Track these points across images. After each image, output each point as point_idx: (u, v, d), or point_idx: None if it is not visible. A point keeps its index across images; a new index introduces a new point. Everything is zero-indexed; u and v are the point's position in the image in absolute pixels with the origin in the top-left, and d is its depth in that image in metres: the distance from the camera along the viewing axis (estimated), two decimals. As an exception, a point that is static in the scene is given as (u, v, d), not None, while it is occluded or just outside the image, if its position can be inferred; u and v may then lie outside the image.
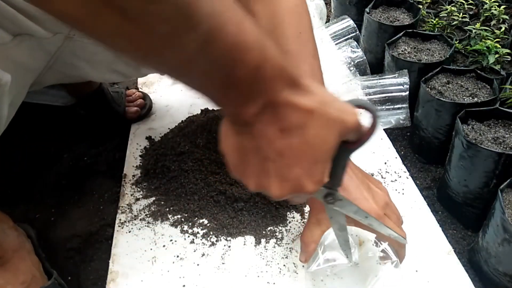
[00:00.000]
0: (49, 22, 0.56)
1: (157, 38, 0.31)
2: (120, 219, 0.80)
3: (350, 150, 0.48)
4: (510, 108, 0.83)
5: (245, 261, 0.73)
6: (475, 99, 0.88)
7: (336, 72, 1.11)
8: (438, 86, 0.92)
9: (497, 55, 0.96)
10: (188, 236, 0.77)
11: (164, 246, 0.75)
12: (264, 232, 0.77)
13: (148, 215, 0.80)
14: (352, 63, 1.13)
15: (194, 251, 0.75)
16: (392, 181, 0.88)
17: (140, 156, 0.93)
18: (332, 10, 1.46)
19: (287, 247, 0.75)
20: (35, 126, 0.98)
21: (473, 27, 1.05)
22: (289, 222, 0.79)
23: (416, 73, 0.99)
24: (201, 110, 1.00)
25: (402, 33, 1.06)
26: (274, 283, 0.70)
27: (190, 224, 0.78)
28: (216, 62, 0.34)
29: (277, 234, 0.77)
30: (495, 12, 1.09)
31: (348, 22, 1.27)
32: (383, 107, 1.01)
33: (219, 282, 0.70)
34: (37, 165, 0.94)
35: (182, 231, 0.78)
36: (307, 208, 0.81)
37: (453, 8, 1.12)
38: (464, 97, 0.89)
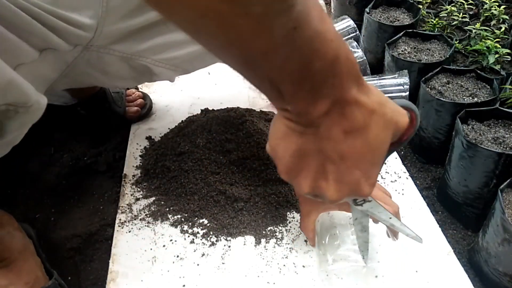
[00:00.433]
0: (71, 35, 0.56)
1: (250, 20, 0.30)
2: (120, 219, 0.80)
3: (391, 150, 0.48)
4: (510, 108, 0.83)
5: (245, 261, 0.73)
6: (475, 99, 0.88)
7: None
8: (438, 86, 0.92)
9: (497, 55, 0.96)
10: (188, 236, 0.77)
11: (164, 246, 0.76)
12: (264, 232, 0.77)
13: (148, 215, 0.80)
14: (352, 63, 1.13)
15: (194, 251, 0.75)
16: (392, 181, 0.88)
17: (140, 156, 0.93)
18: (332, 10, 1.46)
19: (287, 247, 0.75)
20: (35, 126, 0.98)
21: (473, 27, 1.05)
22: (289, 222, 0.79)
23: (416, 73, 0.99)
24: (201, 110, 1.00)
25: (402, 33, 1.06)
26: (274, 283, 0.70)
27: (190, 224, 0.78)
28: (298, 51, 0.34)
29: (277, 234, 0.77)
30: (495, 12, 1.09)
31: (348, 22, 1.26)
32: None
33: (219, 282, 0.70)
34: (37, 165, 0.94)
35: (182, 231, 0.78)
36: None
37: (453, 8, 1.12)
38: (464, 97, 0.89)
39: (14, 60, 0.50)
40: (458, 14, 1.11)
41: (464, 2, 1.14)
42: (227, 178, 0.83)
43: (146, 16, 0.64)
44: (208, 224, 0.78)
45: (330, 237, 0.69)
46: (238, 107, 0.99)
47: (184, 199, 0.82)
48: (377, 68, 1.15)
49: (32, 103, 0.51)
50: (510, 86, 0.87)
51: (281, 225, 0.78)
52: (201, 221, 0.79)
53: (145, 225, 0.79)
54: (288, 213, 0.80)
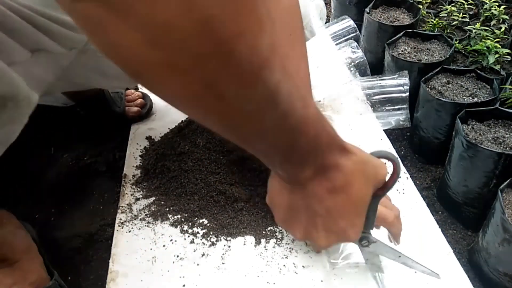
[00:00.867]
0: (66, 39, 0.56)
1: (242, 115, 0.35)
2: (120, 219, 0.80)
3: (378, 196, 0.54)
4: (510, 108, 0.83)
5: (245, 261, 0.73)
6: (475, 99, 0.88)
7: (336, 73, 1.11)
8: (438, 86, 0.92)
9: (497, 55, 0.96)
10: (188, 236, 0.77)
11: (164, 246, 0.75)
12: (264, 232, 0.77)
13: (148, 215, 0.80)
14: (352, 63, 1.13)
15: (194, 251, 0.75)
16: (392, 181, 0.88)
17: (140, 156, 0.93)
18: (332, 10, 1.46)
19: (287, 247, 0.75)
20: (35, 126, 0.98)
21: (473, 27, 1.05)
22: (289, 222, 0.79)
23: (416, 73, 0.99)
24: (201, 110, 1.00)
25: (402, 33, 1.06)
26: (274, 283, 0.70)
27: (190, 224, 0.78)
28: (285, 134, 0.39)
29: (277, 234, 0.77)
30: (495, 12, 1.09)
31: (348, 22, 1.26)
32: (383, 108, 1.01)
33: (219, 282, 0.70)
34: (37, 165, 0.94)
35: (182, 231, 0.78)
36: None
37: (453, 8, 1.12)
38: (464, 97, 0.89)
39: (4, 57, 0.50)
40: (458, 14, 1.11)
41: (464, 2, 1.14)
42: (227, 178, 0.83)
43: None
44: (208, 224, 0.78)
45: None
46: (238, 107, 0.99)
47: (184, 199, 0.82)
48: (377, 68, 1.15)
49: (22, 97, 0.51)
50: (510, 86, 0.87)
51: (281, 225, 0.78)
52: (201, 221, 0.79)
53: (145, 225, 0.79)
54: (288, 213, 0.80)
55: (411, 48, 1.04)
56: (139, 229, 0.78)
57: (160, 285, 0.70)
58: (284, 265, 0.72)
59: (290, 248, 0.75)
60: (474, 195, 0.80)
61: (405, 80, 0.98)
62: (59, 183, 0.91)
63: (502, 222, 0.65)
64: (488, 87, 0.91)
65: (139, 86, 1.15)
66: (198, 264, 0.73)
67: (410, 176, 0.89)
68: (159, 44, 0.27)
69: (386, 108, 1.01)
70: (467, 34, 1.08)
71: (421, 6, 1.16)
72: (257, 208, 0.80)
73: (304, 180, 0.45)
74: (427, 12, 1.17)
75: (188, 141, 0.89)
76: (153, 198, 0.83)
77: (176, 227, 0.78)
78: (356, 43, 1.16)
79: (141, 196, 0.84)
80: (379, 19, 1.13)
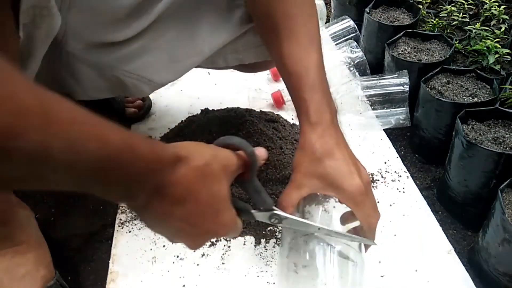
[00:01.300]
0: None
1: (19, 182, 0.33)
2: (120, 219, 0.80)
3: (249, 180, 0.52)
4: (510, 108, 0.83)
5: (245, 261, 0.73)
6: (475, 99, 0.88)
7: (336, 73, 1.11)
8: (438, 86, 0.92)
9: (497, 55, 0.96)
10: (188, 236, 0.77)
11: (164, 246, 0.75)
12: (264, 232, 0.77)
13: (148, 215, 0.80)
14: (352, 63, 1.13)
15: (194, 251, 0.75)
16: (392, 180, 0.88)
17: (140, 156, 0.93)
18: (332, 10, 1.46)
19: (287, 247, 0.75)
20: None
21: (473, 27, 1.05)
22: (289, 222, 0.79)
23: (416, 73, 0.99)
24: (201, 110, 1.00)
25: (402, 33, 1.06)
26: (274, 283, 0.70)
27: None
28: (85, 178, 0.36)
29: (277, 234, 0.77)
30: (495, 12, 1.09)
31: (348, 23, 1.27)
32: (383, 107, 1.01)
33: (219, 282, 0.70)
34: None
35: (182, 231, 0.77)
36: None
37: (453, 8, 1.12)
38: (464, 97, 0.89)
39: None
40: (458, 14, 1.11)
41: (464, 2, 1.14)
42: (227, 178, 0.83)
43: (114, 33, 0.65)
44: (208, 224, 0.78)
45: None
46: (238, 107, 0.99)
47: (184, 199, 0.81)
48: (377, 68, 1.15)
49: (52, 4, 0.49)
50: (510, 86, 0.87)
51: (281, 225, 0.78)
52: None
53: (145, 225, 0.79)
54: (288, 213, 0.80)
55: (411, 48, 1.04)
56: (139, 229, 0.78)
57: (160, 285, 0.70)
58: (284, 265, 0.72)
59: (290, 247, 0.75)
60: (474, 195, 0.80)
61: (405, 79, 0.98)
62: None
63: (502, 222, 0.65)
64: (488, 87, 0.91)
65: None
66: (198, 264, 0.73)
67: (410, 176, 0.90)
68: None
69: (386, 107, 1.01)
70: (467, 34, 1.08)
71: (421, 6, 1.16)
72: (257, 208, 0.80)
73: (142, 206, 0.42)
74: (427, 12, 1.17)
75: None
76: (153, 198, 0.83)
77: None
78: (356, 43, 1.16)
79: (141, 196, 0.84)
80: (379, 19, 1.13)
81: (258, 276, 0.71)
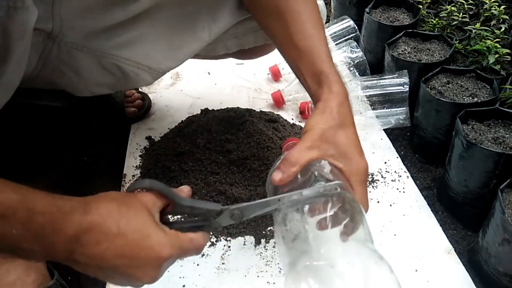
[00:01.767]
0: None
1: None
2: (120, 219, 0.80)
3: (177, 206, 0.52)
4: (510, 108, 0.83)
5: (245, 261, 0.73)
6: (475, 99, 0.88)
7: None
8: (438, 86, 0.92)
9: (497, 55, 0.96)
10: (188, 236, 0.77)
11: (164, 246, 0.75)
12: (264, 232, 0.77)
13: (148, 215, 0.80)
14: (352, 63, 1.13)
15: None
16: (392, 180, 0.88)
17: (140, 156, 0.93)
18: (332, 10, 1.46)
19: (292, 238, 0.74)
20: (35, 126, 0.98)
21: (473, 27, 1.05)
22: (289, 222, 0.79)
23: (416, 73, 0.99)
24: (201, 110, 1.00)
25: (402, 33, 1.06)
26: (274, 283, 0.70)
27: (188, 219, 0.78)
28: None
29: (277, 234, 0.77)
30: (495, 12, 1.09)
31: (348, 23, 1.26)
32: (383, 107, 1.01)
33: (219, 282, 0.70)
34: (37, 165, 0.94)
35: (182, 231, 0.77)
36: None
37: (453, 8, 1.12)
38: (464, 97, 0.89)
39: None
40: (458, 14, 1.11)
41: (464, 2, 1.14)
42: (227, 178, 0.83)
43: (110, 16, 0.65)
44: (208, 224, 0.78)
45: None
46: (238, 107, 0.99)
47: (184, 199, 0.82)
48: (377, 68, 1.15)
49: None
50: (510, 86, 0.87)
51: (281, 225, 0.78)
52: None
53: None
54: (288, 213, 0.80)
55: (411, 48, 1.04)
56: (139, 229, 0.78)
57: (160, 285, 0.70)
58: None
59: (294, 239, 0.74)
60: (474, 195, 0.80)
61: (405, 79, 0.98)
62: (59, 183, 0.91)
63: (502, 222, 0.65)
64: (488, 87, 0.91)
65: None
66: (198, 264, 0.73)
67: (410, 176, 0.90)
68: None
69: (386, 107, 1.01)
70: (467, 34, 1.07)
71: (421, 6, 1.16)
72: (257, 208, 0.80)
73: (68, 257, 0.43)
74: (427, 12, 1.17)
75: (188, 141, 0.89)
76: (153, 198, 0.83)
77: (173, 223, 0.78)
78: (356, 43, 1.16)
79: (141, 196, 0.84)
80: (379, 19, 1.13)
81: (258, 276, 0.71)
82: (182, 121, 0.99)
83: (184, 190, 0.56)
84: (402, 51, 1.03)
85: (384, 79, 1.02)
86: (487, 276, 0.71)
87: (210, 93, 1.12)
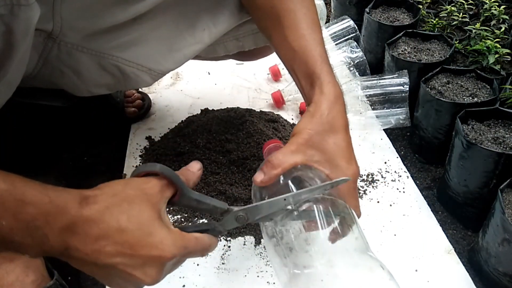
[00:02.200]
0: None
1: None
2: (120, 219, 0.80)
3: (183, 197, 0.50)
4: (510, 108, 0.83)
5: (245, 261, 0.73)
6: (475, 99, 0.88)
7: (336, 73, 1.11)
8: (438, 86, 0.92)
9: (497, 55, 0.96)
10: (188, 236, 0.77)
11: (164, 246, 0.75)
12: (264, 232, 0.77)
13: (148, 215, 0.80)
14: (352, 63, 1.13)
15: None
16: (392, 180, 0.88)
17: (140, 156, 0.93)
18: (332, 10, 1.46)
19: (287, 247, 0.75)
20: (35, 126, 0.98)
21: (473, 27, 1.05)
22: (289, 222, 0.79)
23: (416, 73, 0.99)
24: (201, 110, 1.00)
25: (402, 33, 1.06)
26: (274, 283, 0.70)
27: (190, 224, 0.78)
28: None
29: (277, 234, 0.77)
30: (495, 12, 1.09)
31: (348, 23, 1.26)
32: (383, 107, 1.01)
33: (219, 282, 0.70)
34: (37, 165, 0.94)
35: (182, 231, 0.77)
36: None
37: (453, 8, 1.12)
38: (464, 97, 0.89)
39: None
40: (458, 14, 1.11)
41: (464, 2, 1.14)
42: (227, 178, 0.83)
43: (110, 17, 0.65)
44: (208, 224, 0.78)
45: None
46: (238, 107, 0.99)
47: (184, 199, 0.82)
48: (377, 68, 1.15)
49: None
50: (510, 86, 0.87)
51: (281, 225, 0.78)
52: (201, 221, 0.79)
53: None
54: (288, 213, 0.80)
55: (411, 48, 1.04)
56: (139, 229, 0.78)
57: (160, 285, 0.70)
58: (284, 265, 0.72)
59: (289, 247, 0.75)
60: (474, 195, 0.80)
61: (405, 79, 0.98)
62: (59, 183, 0.91)
63: (502, 222, 0.65)
64: (488, 87, 0.91)
65: (139, 86, 1.16)
66: (198, 264, 0.73)
67: (410, 176, 0.90)
68: None
69: (386, 107, 1.01)
70: (467, 34, 1.07)
71: (421, 6, 1.16)
72: (257, 208, 0.80)
73: (64, 251, 0.42)
74: (427, 12, 1.17)
75: (188, 141, 0.89)
76: (153, 198, 0.83)
77: (176, 227, 0.78)
78: (356, 43, 1.16)
79: (141, 196, 0.84)
80: (379, 19, 1.13)
81: (258, 276, 0.71)
82: (182, 121, 0.99)
83: (195, 169, 0.53)
84: (402, 51, 1.03)
85: (384, 79, 1.02)
86: (487, 276, 0.71)
87: (210, 93, 1.12)
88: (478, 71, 0.93)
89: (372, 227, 0.78)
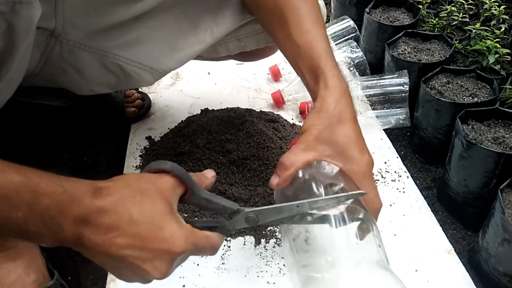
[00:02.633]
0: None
1: None
2: (120, 219, 0.80)
3: (193, 196, 0.50)
4: (510, 108, 0.83)
5: (245, 261, 0.73)
6: (475, 99, 0.88)
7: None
8: (438, 86, 0.92)
9: (497, 55, 0.96)
10: (188, 236, 0.77)
11: (164, 246, 0.75)
12: (264, 232, 0.77)
13: (148, 215, 0.80)
14: (352, 63, 1.13)
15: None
16: (392, 180, 0.88)
17: (140, 156, 0.93)
18: (332, 10, 1.46)
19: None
20: (35, 126, 0.98)
21: (473, 27, 1.05)
22: (289, 222, 0.79)
23: (416, 73, 0.99)
24: (201, 110, 1.00)
25: (402, 33, 1.06)
26: (274, 283, 0.70)
27: (190, 224, 0.78)
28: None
29: (277, 234, 0.77)
30: (495, 12, 1.09)
31: (348, 23, 1.27)
32: (383, 107, 1.01)
33: (219, 282, 0.70)
34: (37, 165, 0.94)
35: (182, 231, 0.77)
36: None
37: (453, 8, 1.12)
38: (464, 97, 0.89)
39: None
40: (458, 14, 1.11)
41: (464, 2, 1.14)
42: (227, 178, 0.83)
43: (112, 16, 0.65)
44: (208, 224, 0.78)
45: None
46: (238, 107, 0.99)
47: (184, 199, 0.82)
48: (377, 68, 1.15)
49: None
50: (510, 86, 0.87)
51: (281, 225, 0.78)
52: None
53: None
54: (288, 213, 0.80)
55: (411, 48, 1.04)
56: (139, 229, 0.78)
57: (160, 285, 0.70)
58: (284, 265, 0.72)
59: (289, 247, 0.75)
60: (474, 195, 0.80)
61: (405, 79, 0.98)
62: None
63: (502, 222, 0.65)
64: (488, 87, 0.91)
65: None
66: (198, 264, 0.73)
67: (410, 176, 0.90)
68: None
69: (386, 107, 1.01)
70: (467, 34, 1.08)
71: (421, 6, 1.16)
72: (257, 208, 0.80)
73: (77, 241, 0.42)
74: (427, 12, 1.17)
75: (188, 141, 0.89)
76: (153, 198, 0.83)
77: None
78: (356, 43, 1.16)
79: (141, 196, 0.84)
80: (379, 19, 1.13)
81: (258, 276, 0.71)
82: (182, 121, 0.99)
83: (209, 175, 0.54)
84: (402, 51, 1.03)
85: (384, 79, 1.02)
86: (487, 276, 0.71)
87: (210, 93, 1.12)
88: (478, 71, 0.93)
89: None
